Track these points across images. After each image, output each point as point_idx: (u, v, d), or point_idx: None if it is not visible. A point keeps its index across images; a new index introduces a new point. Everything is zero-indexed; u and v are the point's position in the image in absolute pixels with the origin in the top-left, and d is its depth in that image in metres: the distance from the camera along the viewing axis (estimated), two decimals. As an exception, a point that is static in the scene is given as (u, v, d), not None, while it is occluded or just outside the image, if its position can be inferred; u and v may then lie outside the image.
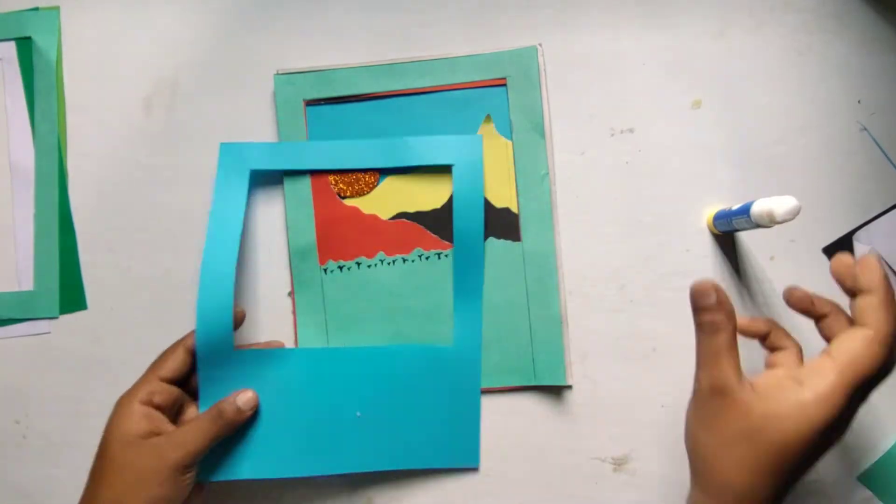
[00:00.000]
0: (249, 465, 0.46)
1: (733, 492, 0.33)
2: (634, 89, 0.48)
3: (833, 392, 0.32)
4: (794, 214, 0.36)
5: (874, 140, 0.46)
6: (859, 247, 0.46)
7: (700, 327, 0.36)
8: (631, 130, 0.48)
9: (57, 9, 0.52)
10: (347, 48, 0.50)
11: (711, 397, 0.35)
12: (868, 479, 0.46)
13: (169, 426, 0.44)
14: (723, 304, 0.35)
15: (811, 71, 0.47)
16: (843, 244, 0.46)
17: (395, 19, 0.50)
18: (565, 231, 0.48)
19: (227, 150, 0.49)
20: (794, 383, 0.34)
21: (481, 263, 0.48)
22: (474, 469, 0.48)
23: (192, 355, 0.45)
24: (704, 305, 0.35)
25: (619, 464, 0.47)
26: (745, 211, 0.39)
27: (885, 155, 0.46)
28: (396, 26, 0.50)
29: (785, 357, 0.39)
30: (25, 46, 0.52)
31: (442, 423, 0.48)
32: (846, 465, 0.46)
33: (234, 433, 0.45)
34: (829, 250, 0.47)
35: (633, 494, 0.47)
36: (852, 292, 0.35)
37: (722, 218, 0.43)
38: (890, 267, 0.46)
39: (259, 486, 0.49)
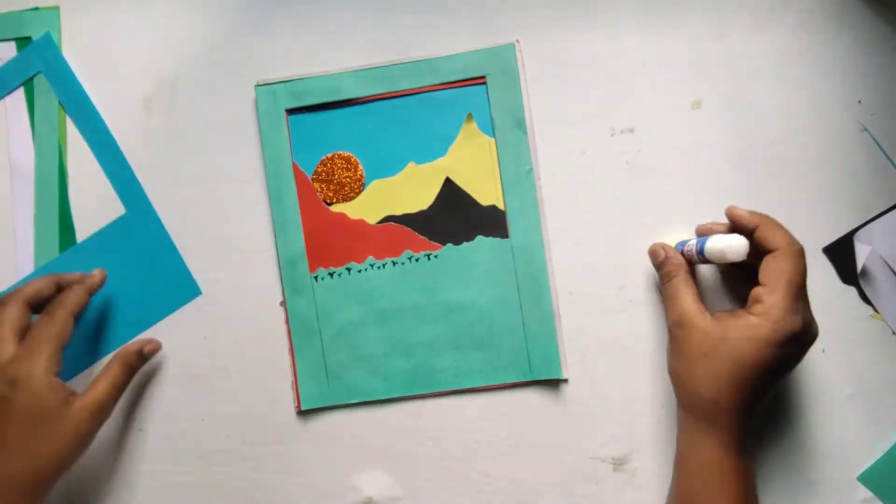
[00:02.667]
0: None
1: (703, 400, 0.40)
2: (634, 89, 0.48)
3: (772, 308, 0.38)
4: (743, 255, 0.40)
5: (874, 140, 0.46)
6: (859, 247, 0.46)
7: (661, 279, 0.44)
8: (631, 130, 0.48)
9: (57, 9, 0.52)
10: (342, 49, 0.50)
11: (678, 330, 0.41)
12: (868, 479, 0.46)
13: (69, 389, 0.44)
14: (670, 258, 0.44)
15: (811, 71, 0.47)
16: (843, 244, 0.46)
17: (394, 20, 0.50)
18: (565, 231, 0.48)
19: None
20: (745, 311, 0.40)
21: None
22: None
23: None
24: (658, 262, 0.44)
25: (619, 464, 0.47)
26: (700, 250, 0.42)
27: (886, 155, 0.46)
28: (395, 27, 0.50)
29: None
30: (25, 46, 0.52)
31: None
32: (846, 465, 0.46)
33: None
34: (829, 250, 0.46)
35: (633, 494, 0.47)
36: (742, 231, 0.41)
37: (679, 247, 0.45)
38: (890, 267, 0.46)
39: (256, 487, 0.49)
